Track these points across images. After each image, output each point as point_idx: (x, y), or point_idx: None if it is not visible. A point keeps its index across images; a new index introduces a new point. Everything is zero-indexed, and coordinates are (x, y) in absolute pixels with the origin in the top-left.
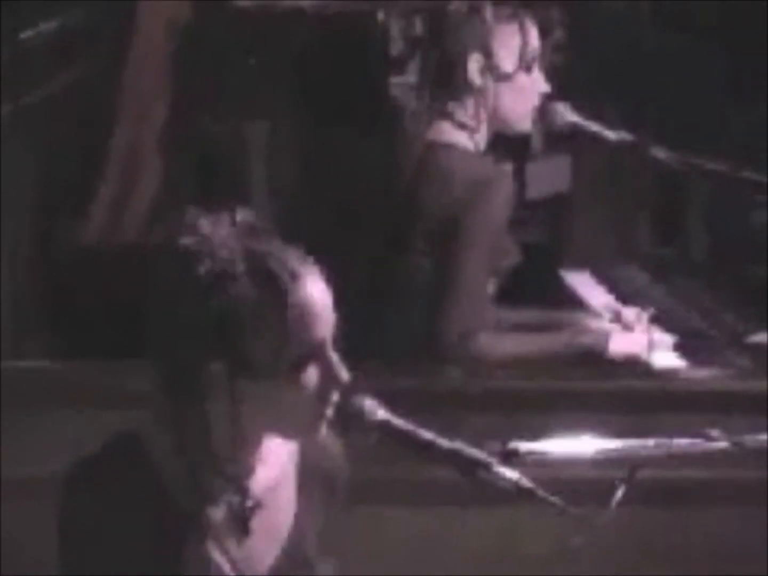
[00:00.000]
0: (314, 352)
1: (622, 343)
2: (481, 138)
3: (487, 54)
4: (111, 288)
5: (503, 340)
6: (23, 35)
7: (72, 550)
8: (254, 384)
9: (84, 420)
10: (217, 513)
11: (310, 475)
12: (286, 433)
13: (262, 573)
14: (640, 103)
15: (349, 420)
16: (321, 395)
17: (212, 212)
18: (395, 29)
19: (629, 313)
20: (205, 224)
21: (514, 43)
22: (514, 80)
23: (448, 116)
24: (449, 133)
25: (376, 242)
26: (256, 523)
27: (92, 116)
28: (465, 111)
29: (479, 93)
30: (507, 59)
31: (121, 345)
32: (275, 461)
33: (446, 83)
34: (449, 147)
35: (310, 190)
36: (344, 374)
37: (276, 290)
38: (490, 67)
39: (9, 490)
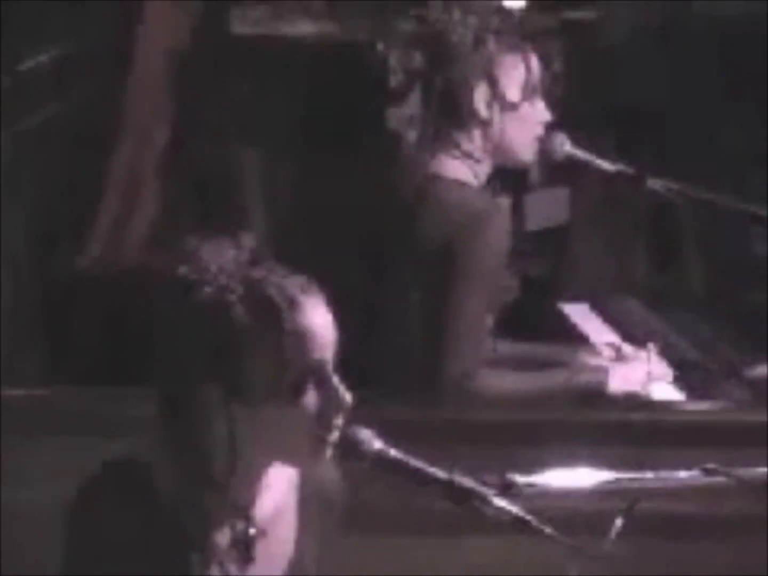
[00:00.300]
0: (313, 376)
1: (621, 380)
2: (484, 170)
3: (493, 84)
4: (111, 313)
5: (503, 378)
6: (22, 65)
7: (73, 572)
8: (253, 410)
9: (83, 447)
10: (221, 539)
11: (310, 501)
12: (288, 459)
13: None
14: (636, 133)
15: (345, 449)
16: (323, 419)
17: (212, 238)
18: (394, 60)
19: (628, 349)
20: (204, 251)
21: (518, 72)
22: (519, 110)
23: (453, 146)
24: (451, 166)
25: (373, 271)
26: (259, 550)
27: (91, 141)
28: (471, 141)
29: (485, 123)
30: (512, 89)
31: (121, 370)
32: (278, 488)
33: (451, 114)
34: (449, 181)
35: (306, 218)
36: (347, 397)
37: (273, 317)
38: (496, 97)
39: (7, 513)
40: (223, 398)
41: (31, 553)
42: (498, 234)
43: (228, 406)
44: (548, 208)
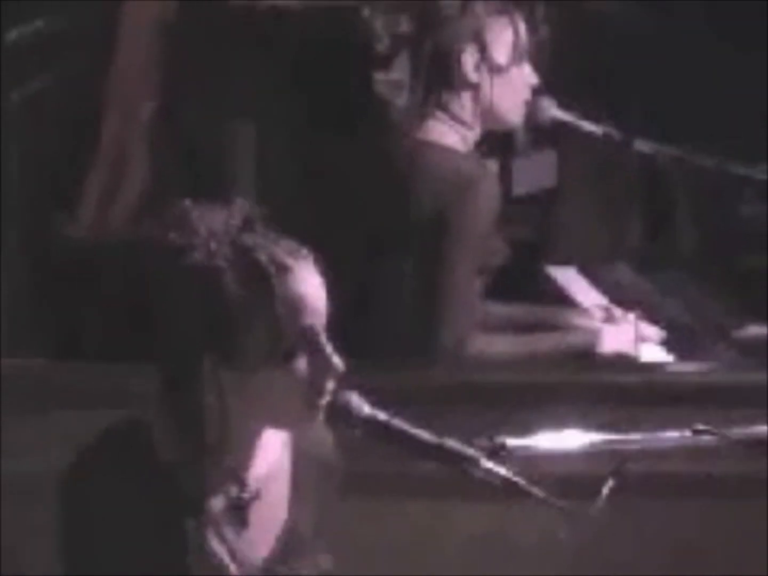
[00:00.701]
0: (305, 342)
1: (611, 342)
2: (472, 135)
3: (482, 47)
4: (102, 283)
5: (495, 341)
6: (9, 38)
7: (72, 539)
8: (245, 376)
9: (79, 420)
10: (216, 503)
11: (305, 465)
12: (280, 424)
13: (258, 562)
14: (625, 96)
15: (335, 414)
16: (315, 384)
17: (202, 203)
18: (380, 26)
19: (617, 311)
20: (194, 216)
21: (506, 36)
22: (508, 73)
23: (442, 111)
24: (439, 132)
25: (363, 240)
26: (253, 514)
27: (79, 113)
28: (461, 106)
29: (474, 87)
30: (500, 52)
31: (114, 340)
32: (271, 453)
33: (440, 78)
34: (438, 147)
35: (296, 186)
36: (338, 362)
37: (263, 283)
38: (485, 61)
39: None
40: (215, 365)
41: (30, 524)
42: (488, 199)
43: (219, 372)
44: (535, 172)
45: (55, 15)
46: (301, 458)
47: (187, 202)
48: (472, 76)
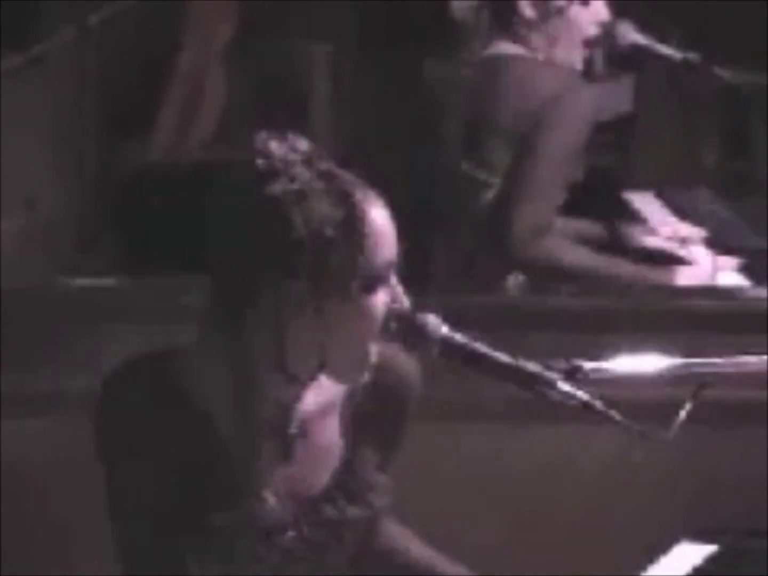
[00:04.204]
0: (382, 276)
1: (686, 278)
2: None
3: None
4: (174, 205)
5: (571, 250)
6: None
7: (109, 464)
8: (330, 303)
9: (136, 335)
10: (261, 439)
11: (378, 397)
12: (335, 367)
13: (309, 496)
14: (704, 22)
15: (412, 336)
16: (383, 323)
17: (281, 134)
18: None
19: (694, 238)
20: (274, 146)
21: None
22: (567, 13)
23: (508, 41)
24: (514, 49)
25: (445, 158)
26: (299, 450)
27: (158, 35)
28: (524, 40)
29: (532, 27)
30: None
31: (182, 260)
32: (324, 389)
33: (500, 17)
34: (514, 57)
35: (374, 110)
36: (406, 302)
37: (352, 210)
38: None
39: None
40: (298, 288)
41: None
42: (587, 107)
43: (301, 296)
44: (614, 97)
45: None
46: (371, 390)
47: (265, 132)
48: (529, 14)
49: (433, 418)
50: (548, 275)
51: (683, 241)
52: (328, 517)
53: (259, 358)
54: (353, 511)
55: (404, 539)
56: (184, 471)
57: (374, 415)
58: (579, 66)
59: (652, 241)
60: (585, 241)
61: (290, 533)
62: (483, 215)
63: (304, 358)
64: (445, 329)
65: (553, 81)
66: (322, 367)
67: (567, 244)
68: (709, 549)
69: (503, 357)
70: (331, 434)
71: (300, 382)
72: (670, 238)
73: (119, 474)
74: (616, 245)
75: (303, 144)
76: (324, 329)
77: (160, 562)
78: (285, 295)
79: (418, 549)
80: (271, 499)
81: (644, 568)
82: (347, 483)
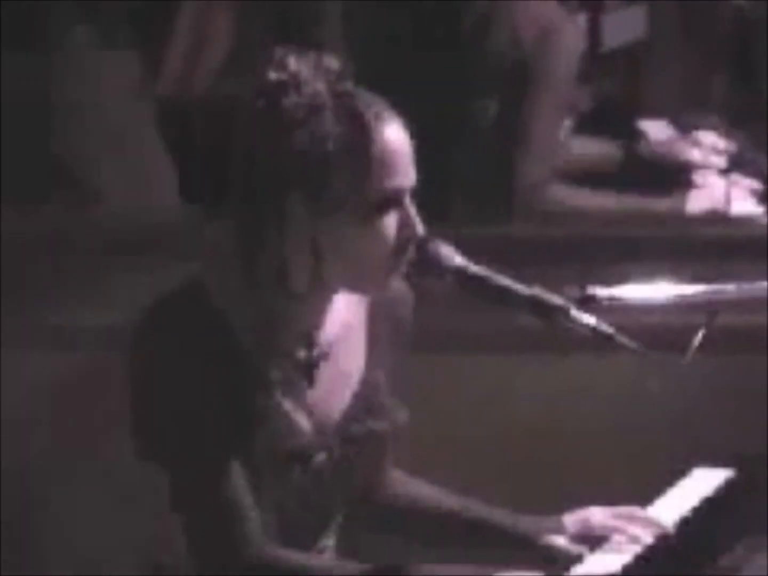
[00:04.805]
0: (394, 199)
1: (699, 202)
2: None
3: None
4: (185, 138)
5: (577, 193)
6: None
7: (142, 399)
8: (335, 222)
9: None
10: (285, 362)
11: (381, 324)
12: (357, 283)
13: (335, 418)
14: None
15: (426, 265)
16: (397, 247)
17: (299, 51)
18: None
19: (708, 165)
20: (292, 61)
21: None
22: None
23: None
24: None
25: (448, 89)
26: (322, 373)
27: None
28: None
29: None
30: None
31: (196, 192)
32: (344, 313)
33: None
34: None
35: (382, 43)
36: (420, 227)
37: (361, 127)
38: None
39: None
40: (307, 205)
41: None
42: (570, 41)
43: (311, 214)
44: (625, 25)
45: None
46: (377, 317)
47: (284, 48)
48: None
49: (442, 349)
50: (553, 219)
51: (697, 166)
52: (355, 434)
53: (268, 278)
54: (377, 426)
55: (414, 483)
56: (220, 398)
57: (382, 339)
58: None
59: (668, 160)
60: (604, 160)
61: (321, 455)
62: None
63: (304, 274)
64: (459, 258)
65: (539, 20)
66: (325, 285)
67: (571, 188)
68: (726, 474)
69: (518, 286)
70: (352, 357)
71: (308, 303)
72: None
73: (163, 400)
74: (634, 164)
75: (329, 62)
76: (329, 246)
77: (203, 484)
78: (285, 211)
79: (427, 490)
80: (303, 422)
81: (662, 492)
82: (368, 401)
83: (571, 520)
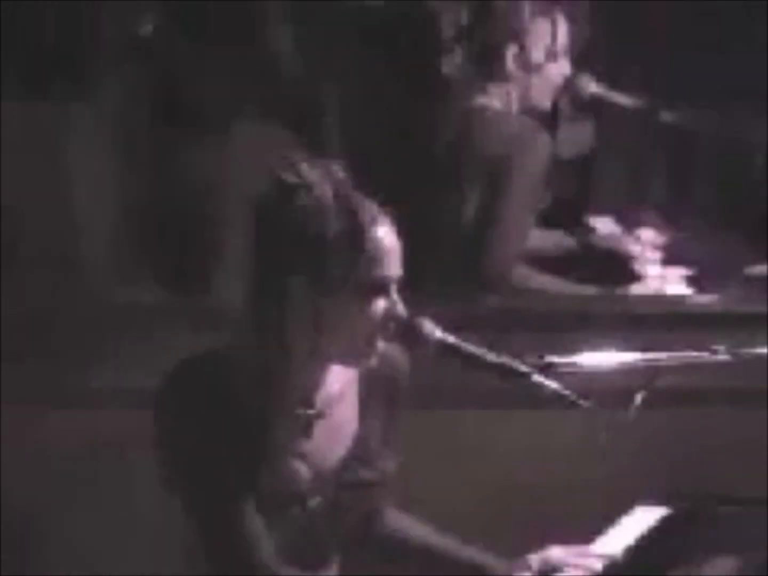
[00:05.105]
0: (382, 287)
1: (639, 290)
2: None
3: (521, 46)
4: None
5: (537, 276)
6: None
7: (166, 455)
8: (332, 302)
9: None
10: (287, 419)
11: (376, 384)
12: (346, 356)
13: (330, 467)
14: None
15: (412, 337)
16: (381, 326)
17: (311, 158)
18: (445, 18)
19: (648, 256)
20: (305, 167)
21: (545, 38)
22: (543, 69)
23: (486, 93)
24: (490, 101)
25: (433, 187)
26: (320, 427)
27: None
28: (500, 90)
29: (513, 78)
30: (538, 52)
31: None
32: (342, 373)
33: (486, 69)
34: (488, 109)
35: (377, 145)
36: (403, 311)
37: (358, 226)
38: (523, 58)
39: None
40: (308, 290)
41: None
42: (544, 150)
43: (310, 293)
44: (577, 138)
45: None
46: (369, 378)
47: (301, 155)
48: (511, 69)
49: (428, 405)
50: (518, 295)
51: (638, 256)
52: (347, 481)
53: (273, 348)
54: (367, 475)
55: (404, 521)
56: (233, 448)
57: (376, 397)
58: (548, 106)
59: (613, 252)
60: (560, 249)
61: (317, 498)
62: (465, 242)
63: (305, 345)
64: (438, 332)
65: (517, 130)
66: (323, 354)
67: (533, 272)
68: (662, 511)
69: (489, 354)
70: (346, 414)
71: (307, 369)
72: (627, 253)
73: (182, 452)
74: (584, 254)
75: (335, 170)
76: (327, 322)
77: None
78: (288, 291)
79: (416, 528)
80: (302, 469)
81: (606, 529)
82: (360, 453)
83: (535, 558)
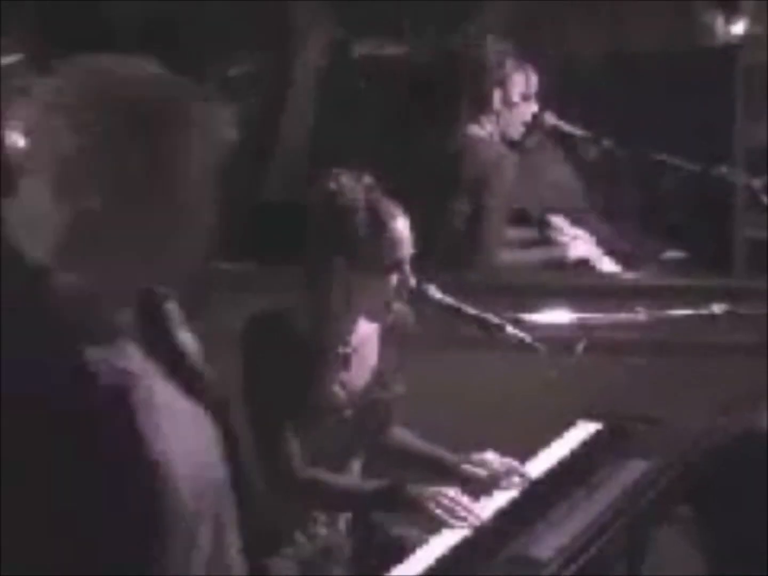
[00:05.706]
0: (398, 265)
1: (577, 251)
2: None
3: (504, 90)
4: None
5: (514, 253)
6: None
7: (249, 388)
8: (362, 276)
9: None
10: (331, 355)
11: (390, 331)
12: (371, 313)
13: (358, 389)
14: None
15: (418, 297)
16: (397, 292)
17: (346, 171)
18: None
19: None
20: (343, 178)
21: (520, 85)
22: (518, 107)
23: (478, 122)
24: (478, 131)
25: (433, 197)
26: (353, 361)
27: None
28: (487, 122)
29: (496, 113)
30: (515, 94)
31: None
32: (366, 325)
33: (477, 107)
34: (478, 138)
35: (391, 171)
36: (413, 282)
37: (380, 220)
38: (505, 99)
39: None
40: (345, 267)
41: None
42: (513, 169)
43: (347, 271)
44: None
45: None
46: (386, 328)
47: (338, 169)
48: (497, 107)
49: (424, 348)
50: (497, 272)
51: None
52: (370, 398)
53: (321, 307)
54: (384, 395)
55: (405, 434)
56: (291, 377)
57: (390, 341)
58: (519, 136)
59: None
60: (528, 241)
61: (348, 411)
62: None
63: (342, 306)
64: (438, 294)
65: (493, 153)
66: (353, 312)
67: (510, 252)
68: (597, 425)
69: (474, 310)
70: (371, 352)
71: (344, 321)
72: (573, 238)
73: (256, 378)
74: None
75: (366, 179)
76: (357, 291)
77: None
78: (332, 267)
79: (412, 439)
80: (339, 392)
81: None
82: (379, 380)
83: (476, 457)
